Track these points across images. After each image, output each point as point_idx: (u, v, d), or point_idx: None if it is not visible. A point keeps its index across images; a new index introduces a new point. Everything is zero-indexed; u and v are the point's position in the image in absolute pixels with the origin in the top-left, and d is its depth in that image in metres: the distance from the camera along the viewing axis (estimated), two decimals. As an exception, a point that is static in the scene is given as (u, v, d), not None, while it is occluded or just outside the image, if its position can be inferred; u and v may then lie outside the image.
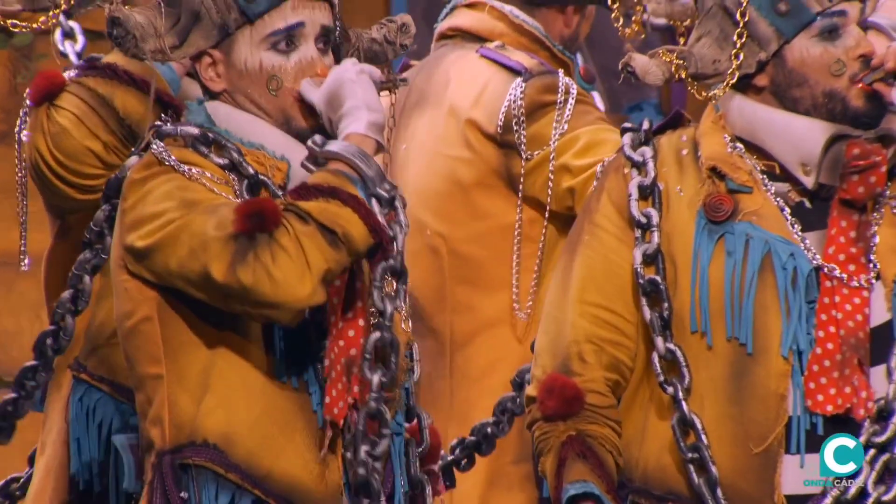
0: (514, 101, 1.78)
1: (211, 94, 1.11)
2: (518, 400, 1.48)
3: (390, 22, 1.18)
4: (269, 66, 1.07)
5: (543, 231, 1.81)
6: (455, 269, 1.82)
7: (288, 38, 1.08)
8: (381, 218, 1.01)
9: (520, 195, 1.80)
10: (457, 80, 1.87)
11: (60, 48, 1.88)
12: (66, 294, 1.43)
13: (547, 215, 1.80)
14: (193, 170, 1.02)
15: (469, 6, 1.94)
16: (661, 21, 1.48)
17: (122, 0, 1.53)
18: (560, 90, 1.78)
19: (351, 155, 1.00)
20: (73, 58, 1.86)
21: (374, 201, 1.02)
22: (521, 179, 1.79)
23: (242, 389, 1.01)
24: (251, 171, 1.04)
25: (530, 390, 1.18)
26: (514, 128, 1.78)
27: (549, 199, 1.78)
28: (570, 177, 1.74)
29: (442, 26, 1.98)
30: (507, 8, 1.89)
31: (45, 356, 1.44)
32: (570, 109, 1.77)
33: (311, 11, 1.09)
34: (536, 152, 1.78)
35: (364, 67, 1.07)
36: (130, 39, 1.04)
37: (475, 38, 1.90)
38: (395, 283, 1.05)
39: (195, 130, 1.05)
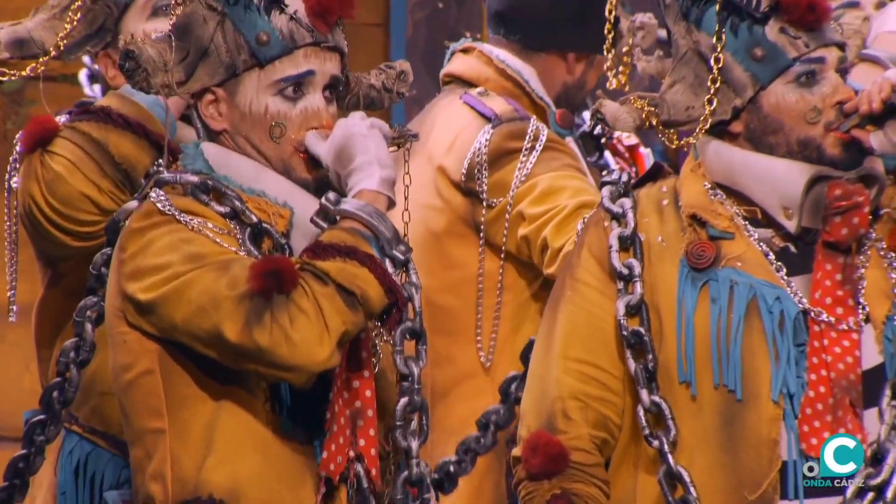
0: (479, 149, 1.78)
1: (209, 134, 1.10)
2: (482, 440, 1.47)
3: (389, 68, 1.17)
4: (275, 112, 1.06)
5: (500, 278, 1.79)
6: (432, 320, 1.80)
7: (296, 86, 1.07)
8: (395, 279, 1.00)
9: (481, 243, 1.79)
10: (438, 127, 1.87)
11: (88, 92, 1.84)
12: (69, 343, 1.39)
13: (502, 263, 1.79)
14: (195, 220, 1.00)
15: (464, 51, 1.94)
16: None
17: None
18: (528, 136, 1.77)
19: (367, 214, 0.98)
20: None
21: (387, 262, 1.00)
22: (482, 227, 1.78)
23: (248, 443, 0.99)
24: (254, 219, 1.02)
25: (516, 451, 1.16)
26: (476, 175, 1.77)
27: (507, 248, 1.76)
28: (525, 224, 1.73)
29: (442, 72, 1.99)
30: (496, 52, 1.90)
31: (53, 409, 1.40)
32: (535, 156, 1.76)
33: (322, 61, 1.08)
34: (498, 200, 1.76)
35: (374, 122, 1.06)
36: (141, 73, 1.03)
37: (466, 83, 1.90)
38: (416, 345, 1.04)
39: (195, 178, 1.04)
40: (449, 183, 1.81)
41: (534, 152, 1.76)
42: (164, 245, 0.98)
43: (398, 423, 1.00)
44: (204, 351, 0.97)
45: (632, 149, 2.17)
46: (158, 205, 1.01)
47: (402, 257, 1.02)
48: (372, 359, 1.03)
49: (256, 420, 0.99)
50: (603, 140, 1.96)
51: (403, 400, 1.01)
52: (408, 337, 1.03)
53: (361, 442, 0.99)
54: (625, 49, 1.79)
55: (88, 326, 1.38)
